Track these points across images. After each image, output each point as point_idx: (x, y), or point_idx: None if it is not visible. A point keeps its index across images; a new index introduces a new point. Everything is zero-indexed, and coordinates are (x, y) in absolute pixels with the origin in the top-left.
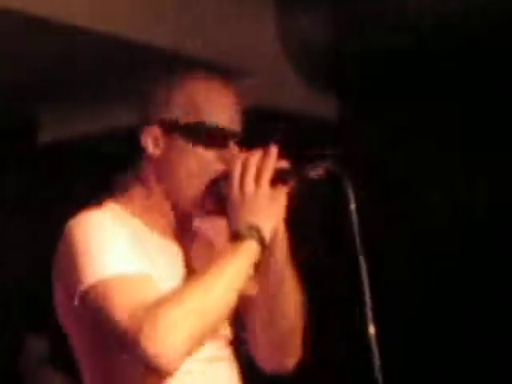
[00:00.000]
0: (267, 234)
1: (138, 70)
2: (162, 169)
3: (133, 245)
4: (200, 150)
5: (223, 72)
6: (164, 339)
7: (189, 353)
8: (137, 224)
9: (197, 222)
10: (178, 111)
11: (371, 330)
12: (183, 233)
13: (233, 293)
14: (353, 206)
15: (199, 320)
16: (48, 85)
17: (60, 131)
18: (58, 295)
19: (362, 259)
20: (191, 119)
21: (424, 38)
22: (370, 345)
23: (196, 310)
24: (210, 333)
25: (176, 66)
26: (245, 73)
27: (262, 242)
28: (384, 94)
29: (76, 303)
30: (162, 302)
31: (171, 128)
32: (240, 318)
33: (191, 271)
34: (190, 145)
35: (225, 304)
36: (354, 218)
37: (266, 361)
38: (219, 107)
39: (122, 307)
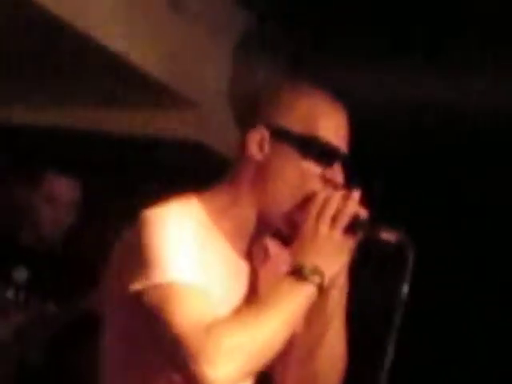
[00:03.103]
0: (328, 279)
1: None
2: (260, 173)
3: (199, 254)
4: (306, 164)
5: (169, 94)
6: (225, 365)
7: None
8: (209, 226)
9: (268, 245)
10: (293, 120)
11: None
12: (253, 249)
13: (287, 331)
14: (406, 289)
15: (256, 352)
16: None
17: None
18: (112, 287)
19: (390, 347)
20: (305, 131)
21: None
22: None
23: (254, 342)
24: (260, 367)
25: (120, 73)
26: (189, 104)
27: (321, 287)
28: None
29: (130, 295)
30: (223, 324)
31: (283, 135)
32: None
33: (254, 291)
34: (299, 156)
35: (279, 340)
36: (402, 299)
37: None
38: (335, 127)
39: (184, 319)
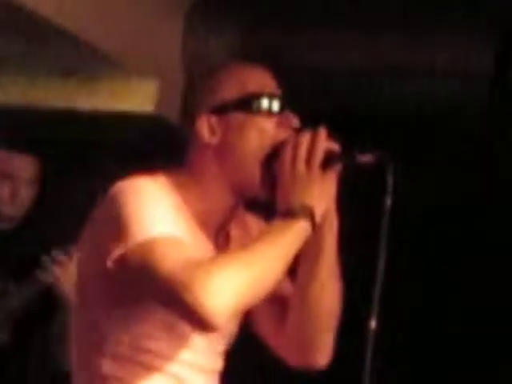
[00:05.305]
0: (319, 215)
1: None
2: (222, 152)
3: (175, 217)
4: (259, 120)
5: (121, 65)
6: (219, 293)
7: (234, 314)
8: (179, 203)
9: (233, 226)
10: (228, 93)
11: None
12: (219, 230)
13: (281, 266)
14: (388, 201)
15: (250, 283)
16: None
17: None
18: (85, 257)
19: (382, 255)
20: (242, 94)
21: None
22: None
23: (247, 273)
24: (254, 301)
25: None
26: (142, 74)
27: (313, 222)
28: None
29: (111, 264)
30: (214, 260)
31: (225, 108)
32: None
33: None
34: (248, 117)
35: (273, 275)
36: (386, 211)
37: (297, 357)
38: (267, 81)
39: (172, 260)
